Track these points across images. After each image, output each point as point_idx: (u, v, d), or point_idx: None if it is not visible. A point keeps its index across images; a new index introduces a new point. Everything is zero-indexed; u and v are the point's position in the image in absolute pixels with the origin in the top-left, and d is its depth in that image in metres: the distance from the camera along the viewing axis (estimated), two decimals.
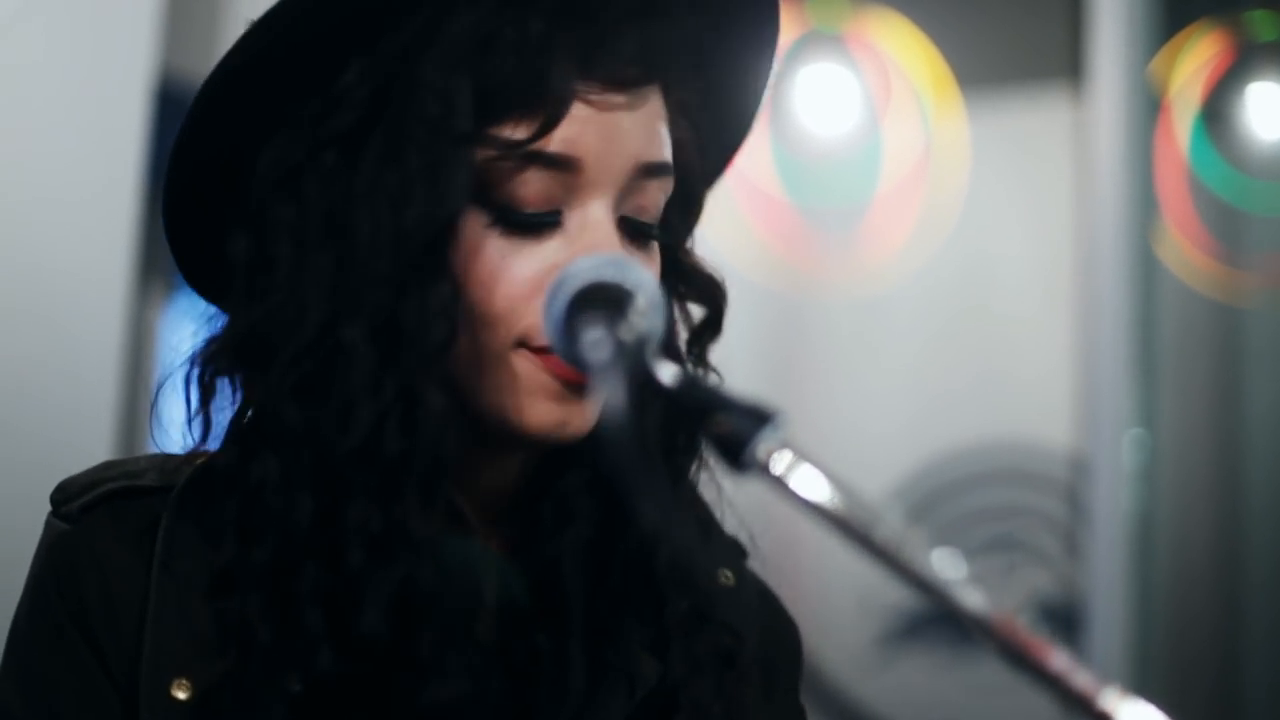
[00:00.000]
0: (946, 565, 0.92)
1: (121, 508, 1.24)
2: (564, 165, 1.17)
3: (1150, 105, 4.04)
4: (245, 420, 1.25)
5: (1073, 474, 4.16)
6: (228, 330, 1.26)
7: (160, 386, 1.30)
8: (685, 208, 1.33)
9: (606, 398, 0.95)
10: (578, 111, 1.17)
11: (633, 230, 1.23)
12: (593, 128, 1.18)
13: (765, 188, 4.36)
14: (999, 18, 4.49)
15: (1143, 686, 3.76)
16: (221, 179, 1.25)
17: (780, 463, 0.97)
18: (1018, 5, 4.48)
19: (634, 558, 1.25)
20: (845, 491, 0.95)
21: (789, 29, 4.34)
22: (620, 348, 1.01)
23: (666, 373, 1.05)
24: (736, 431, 0.99)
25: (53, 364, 2.59)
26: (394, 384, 1.15)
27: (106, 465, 1.31)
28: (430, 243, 1.15)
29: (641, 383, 1.02)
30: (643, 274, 1.11)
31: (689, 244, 1.37)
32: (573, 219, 1.19)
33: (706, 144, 1.34)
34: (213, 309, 1.33)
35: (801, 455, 0.97)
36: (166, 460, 1.29)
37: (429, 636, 1.17)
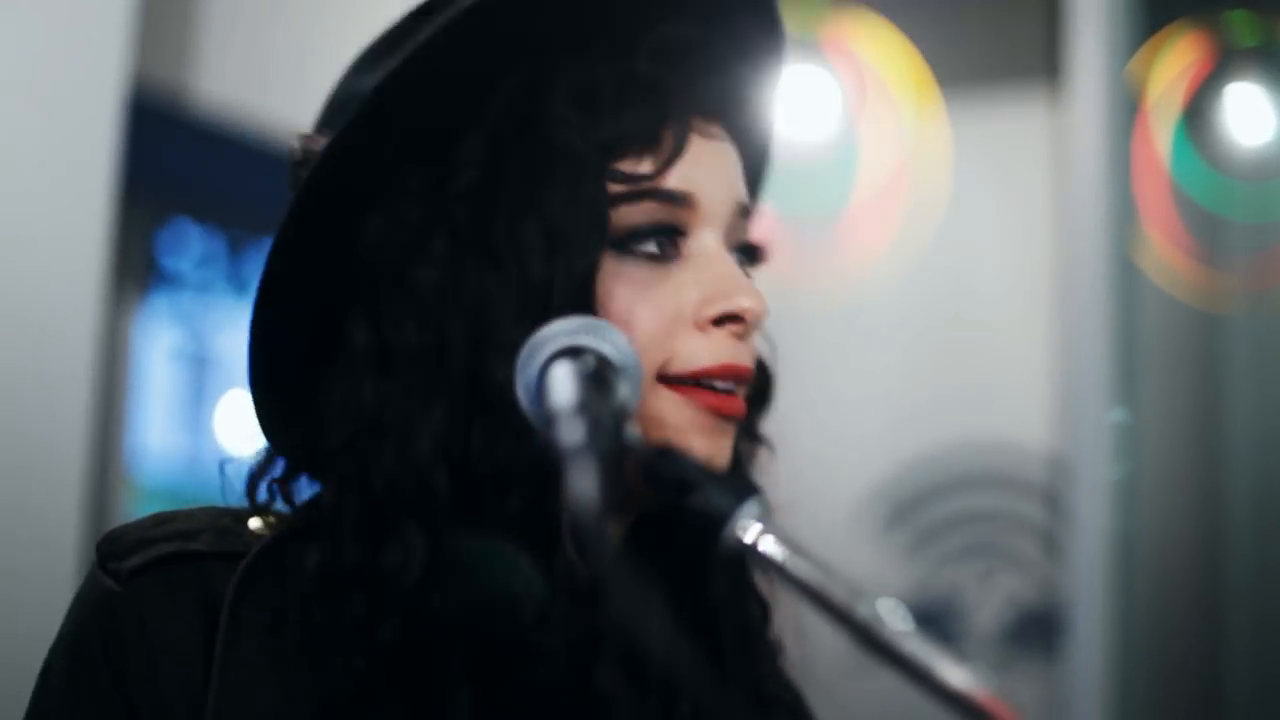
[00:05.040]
0: (923, 642, 0.90)
1: (174, 574, 1.19)
2: (681, 198, 1.19)
3: (1129, 107, 4.04)
4: (344, 505, 1.19)
5: (1052, 478, 4.15)
6: (343, 418, 1.19)
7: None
8: None
9: (579, 485, 0.89)
10: (691, 145, 1.20)
11: (742, 258, 1.26)
12: (703, 160, 1.21)
13: None
14: (976, 19, 4.49)
15: (1124, 693, 3.75)
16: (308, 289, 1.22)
17: (760, 540, 0.95)
18: (995, 6, 4.47)
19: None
20: (825, 569, 0.93)
21: None
22: (595, 427, 0.96)
23: (644, 446, 1.02)
24: (715, 508, 0.97)
25: (27, 370, 2.58)
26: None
27: (157, 520, 1.25)
28: (582, 283, 1.15)
29: (617, 458, 1.00)
30: (619, 338, 1.09)
31: None
32: (692, 250, 1.21)
33: None
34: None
35: (781, 532, 0.95)
36: (218, 518, 1.24)
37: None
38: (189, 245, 4.11)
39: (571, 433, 0.95)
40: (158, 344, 4.01)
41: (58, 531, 2.60)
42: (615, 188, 1.17)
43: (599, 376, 1.03)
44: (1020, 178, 4.43)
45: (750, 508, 0.96)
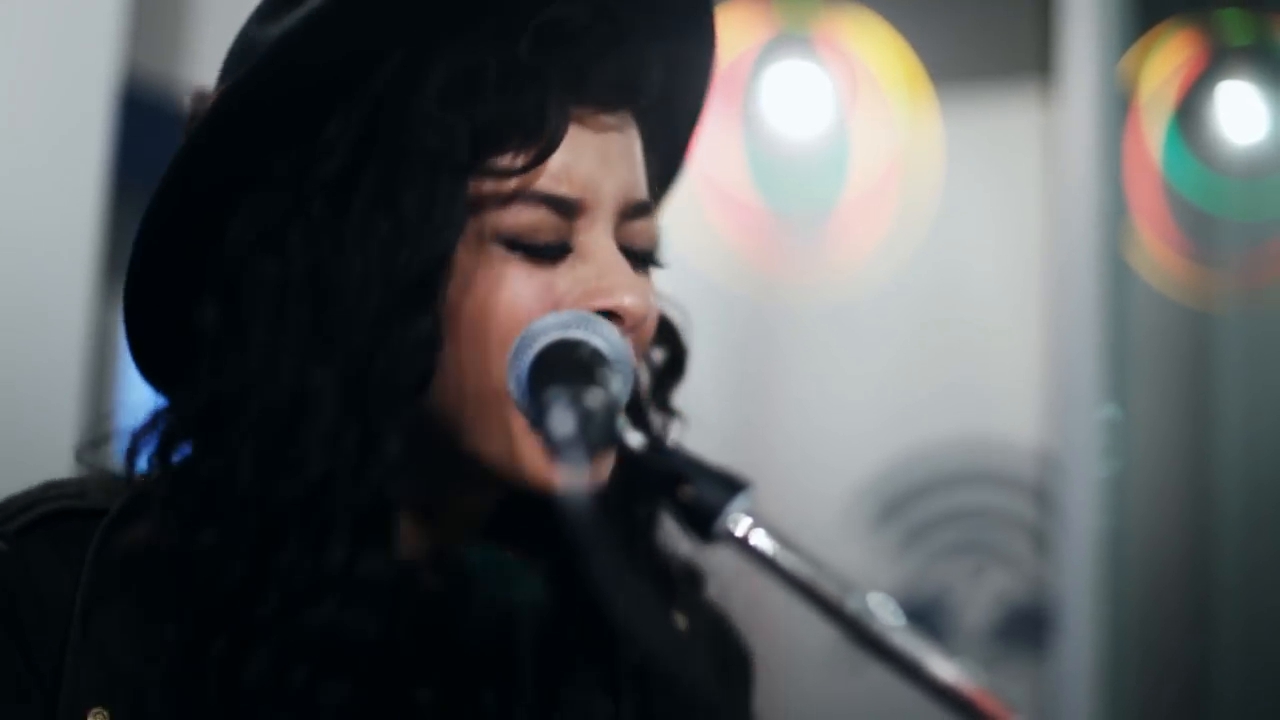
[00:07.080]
0: (913, 636, 0.90)
1: (59, 529, 1.22)
2: (561, 201, 1.16)
3: (1121, 105, 4.04)
4: (185, 467, 1.22)
5: (1042, 475, 4.15)
6: (189, 401, 1.22)
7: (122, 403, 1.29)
8: None
9: (568, 475, 0.90)
10: (572, 136, 1.17)
11: (633, 259, 1.21)
12: (588, 152, 1.17)
13: (735, 190, 4.34)
14: (968, 16, 4.48)
15: (1114, 690, 3.76)
16: (187, 253, 1.22)
17: (751, 533, 0.96)
18: (987, 3, 4.47)
19: (592, 608, 1.20)
20: (815, 563, 0.94)
21: (758, 31, 4.35)
22: (585, 420, 0.97)
23: (634, 438, 1.03)
24: (706, 501, 0.98)
25: (16, 363, 2.57)
26: (355, 431, 1.12)
27: (48, 485, 1.29)
28: (422, 279, 1.12)
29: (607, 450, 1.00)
30: (610, 332, 1.08)
31: None
32: (580, 244, 1.17)
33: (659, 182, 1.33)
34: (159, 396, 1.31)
35: (770, 526, 0.95)
36: (110, 481, 1.28)
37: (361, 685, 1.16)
38: None
39: (562, 424, 0.95)
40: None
41: None
42: (491, 186, 1.14)
43: (590, 369, 1.04)
44: (1012, 175, 4.42)
45: (741, 501, 0.97)
